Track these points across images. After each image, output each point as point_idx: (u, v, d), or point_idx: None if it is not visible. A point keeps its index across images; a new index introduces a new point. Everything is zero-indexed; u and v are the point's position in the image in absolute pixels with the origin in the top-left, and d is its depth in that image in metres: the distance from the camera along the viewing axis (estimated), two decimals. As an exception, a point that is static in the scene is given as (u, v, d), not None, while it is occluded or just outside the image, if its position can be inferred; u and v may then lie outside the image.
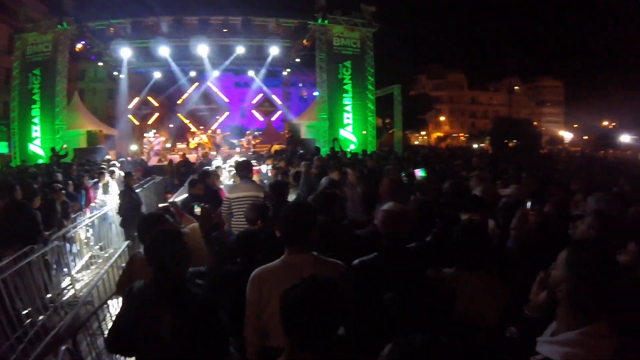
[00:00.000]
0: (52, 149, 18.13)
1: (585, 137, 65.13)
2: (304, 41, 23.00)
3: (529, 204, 4.06)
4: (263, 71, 28.11)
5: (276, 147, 23.66)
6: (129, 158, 20.69)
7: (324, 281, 1.89)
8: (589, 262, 1.75)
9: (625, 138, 52.07)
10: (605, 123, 63.72)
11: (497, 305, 2.72)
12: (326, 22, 21.02)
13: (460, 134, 70.63)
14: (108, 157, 20.30)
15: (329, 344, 1.83)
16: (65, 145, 19.25)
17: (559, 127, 75.41)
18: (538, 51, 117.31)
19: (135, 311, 2.60)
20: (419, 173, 7.54)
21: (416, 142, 54.92)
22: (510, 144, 40.95)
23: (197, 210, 3.78)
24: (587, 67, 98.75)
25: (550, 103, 79.14)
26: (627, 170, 13.15)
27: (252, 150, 23.50)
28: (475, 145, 49.28)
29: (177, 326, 2.49)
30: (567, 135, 71.32)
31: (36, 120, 20.27)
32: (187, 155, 19.92)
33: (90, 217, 8.21)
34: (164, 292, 2.59)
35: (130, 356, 2.84)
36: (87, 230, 7.88)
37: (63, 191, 8.56)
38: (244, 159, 7.33)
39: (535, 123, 57.78)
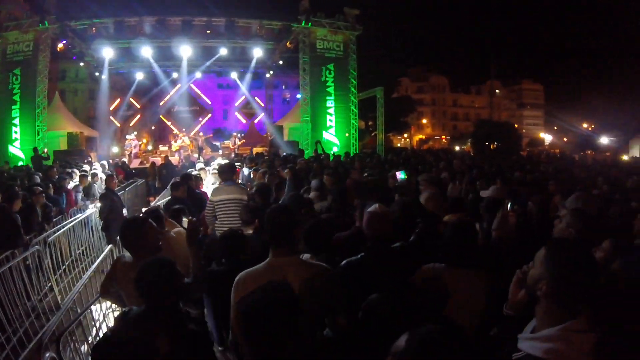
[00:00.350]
0: (35, 149, 17.87)
1: (565, 139, 66.21)
2: (287, 43, 23.03)
3: (509, 205, 4.13)
4: (247, 74, 28.08)
5: (257, 149, 23.68)
6: (111, 160, 20.47)
7: (278, 289, 1.90)
8: (568, 260, 1.77)
9: (604, 140, 53.10)
10: (585, 125, 64.81)
11: (482, 301, 2.81)
12: (310, 24, 21.06)
13: (442, 136, 71.40)
14: (89, 159, 20.09)
15: (289, 350, 1.82)
16: (46, 150, 19.00)
17: (539, 130, 76.92)
18: (519, 54, 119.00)
19: (129, 333, 2.51)
20: (400, 175, 7.61)
21: (398, 145, 55.27)
22: (491, 146, 41.39)
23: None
24: (566, 71, 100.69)
25: (531, 106, 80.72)
26: (605, 172, 13.45)
27: (235, 152, 23.45)
28: (457, 148, 49.73)
29: (171, 352, 2.42)
30: (547, 138, 72.56)
31: (16, 121, 19.89)
32: (169, 158, 19.79)
33: (71, 221, 8.10)
34: (159, 319, 2.52)
35: None
36: (68, 234, 7.78)
37: (43, 194, 8.47)
38: (227, 161, 7.31)
39: (516, 125, 58.59)
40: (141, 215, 5.46)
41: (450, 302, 2.77)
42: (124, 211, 9.59)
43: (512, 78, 79.37)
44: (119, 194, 9.98)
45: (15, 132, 19.90)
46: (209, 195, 6.49)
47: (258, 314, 1.79)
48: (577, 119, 64.80)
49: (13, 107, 19.88)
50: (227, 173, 6.32)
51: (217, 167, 6.79)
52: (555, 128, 73.33)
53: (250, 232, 4.49)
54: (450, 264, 2.97)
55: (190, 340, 2.53)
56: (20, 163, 18.24)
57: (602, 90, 62.59)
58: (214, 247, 4.26)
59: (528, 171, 12.02)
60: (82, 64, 25.01)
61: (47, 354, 3.17)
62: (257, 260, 2.85)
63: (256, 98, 36.36)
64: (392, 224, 3.35)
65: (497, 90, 75.27)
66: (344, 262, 3.12)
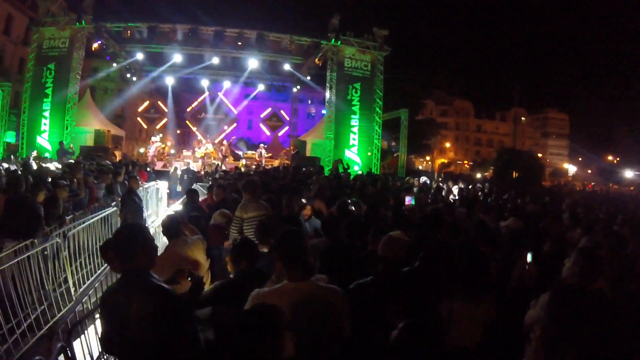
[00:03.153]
0: (61, 143, 18.32)
1: (589, 171, 65.24)
2: (316, 60, 23.33)
3: (529, 257, 4.10)
4: (274, 86, 28.45)
5: (278, 162, 23.85)
6: (137, 161, 20.85)
7: (264, 312, 1.98)
8: (566, 309, 1.78)
9: (628, 174, 52.16)
10: (610, 158, 63.81)
11: (481, 328, 2.83)
12: (339, 42, 21.36)
13: (465, 161, 70.69)
14: (114, 158, 20.50)
15: None
16: (72, 145, 19.50)
17: (563, 160, 75.61)
18: (545, 83, 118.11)
19: (107, 307, 2.71)
20: (410, 201, 7.68)
21: (420, 167, 55.02)
22: (513, 175, 40.93)
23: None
24: (592, 101, 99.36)
25: (555, 135, 79.46)
26: (627, 208, 13.23)
27: (262, 164, 23.62)
28: (478, 175, 49.36)
29: (142, 312, 2.53)
30: (571, 168, 71.41)
31: (46, 113, 20.51)
32: (193, 164, 20.11)
33: (91, 217, 8.32)
34: (131, 282, 2.66)
35: (121, 357, 2.83)
36: (88, 230, 7.98)
37: (67, 188, 8.72)
38: (254, 178, 7.21)
39: (539, 155, 57.92)
40: (143, 223, 5.59)
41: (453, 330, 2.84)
42: (144, 212, 9.83)
43: (537, 106, 78.64)
44: (140, 195, 10.18)
45: (45, 124, 20.49)
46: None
47: (233, 334, 1.90)
48: (601, 151, 63.91)
49: (45, 99, 20.50)
50: (256, 189, 6.06)
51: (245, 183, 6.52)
52: (580, 159, 72.32)
53: (266, 250, 4.49)
54: (465, 299, 3.01)
55: (160, 298, 2.62)
56: (46, 154, 18.71)
57: (628, 123, 61.61)
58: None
59: (546, 204, 11.92)
60: (114, 64, 25.58)
61: (59, 344, 3.28)
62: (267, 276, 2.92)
63: (281, 111, 36.79)
64: (405, 250, 3.39)
65: (522, 118, 74.69)
66: (353, 284, 3.15)
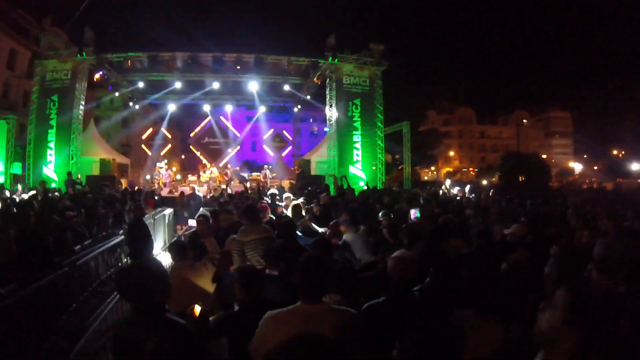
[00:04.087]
0: (69, 174, 18.57)
1: (595, 168, 64.84)
2: (315, 79, 23.56)
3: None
4: (275, 108, 28.77)
5: (286, 182, 23.96)
6: (144, 188, 21.04)
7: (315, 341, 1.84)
8: (601, 312, 1.55)
9: (635, 166, 51.75)
10: (615, 152, 63.42)
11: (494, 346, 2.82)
12: (336, 60, 21.54)
13: (470, 169, 70.55)
14: (120, 187, 20.74)
15: None
16: (79, 175, 19.76)
17: (569, 159, 75.19)
18: (544, 81, 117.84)
19: (121, 344, 2.67)
20: (415, 214, 7.74)
21: (426, 177, 55.02)
22: (520, 179, 40.73)
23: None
24: (593, 96, 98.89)
25: (559, 134, 79.24)
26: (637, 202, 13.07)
27: (268, 185, 23.75)
28: (484, 182, 49.19)
29: (160, 349, 2.51)
30: (577, 167, 70.95)
31: (51, 144, 20.80)
32: (198, 188, 20.28)
33: (100, 246, 8.45)
34: (147, 318, 2.62)
35: None
36: (97, 259, 8.11)
37: (74, 218, 8.87)
38: (252, 204, 7.27)
39: (544, 155, 57.69)
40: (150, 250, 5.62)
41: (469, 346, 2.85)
42: (151, 240, 9.94)
43: (538, 105, 78.50)
44: (147, 222, 10.30)
45: (50, 155, 20.77)
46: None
47: None
48: (607, 146, 63.54)
49: (49, 130, 20.80)
50: (254, 215, 6.17)
51: (244, 209, 6.56)
52: (585, 156, 71.92)
53: (276, 273, 4.53)
54: (478, 311, 3.07)
55: (175, 335, 2.59)
56: (53, 185, 18.93)
57: (632, 114, 61.01)
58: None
59: (557, 205, 11.86)
60: (117, 93, 25.97)
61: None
62: (278, 302, 2.98)
63: (284, 131, 37.08)
64: (415, 269, 3.39)
65: (524, 120, 74.62)
66: (365, 305, 3.17)
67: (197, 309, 3.26)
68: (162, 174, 25.09)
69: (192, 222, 7.65)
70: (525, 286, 3.62)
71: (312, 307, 2.75)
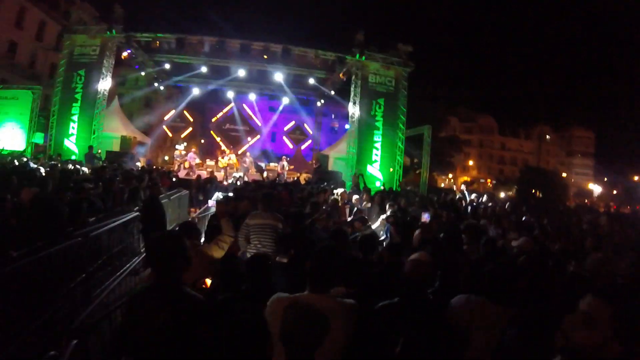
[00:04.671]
0: (90, 147, 18.82)
1: (615, 192, 63.76)
2: (340, 74, 23.45)
3: None
4: (298, 100, 28.78)
5: (304, 176, 23.95)
6: (159, 168, 21.22)
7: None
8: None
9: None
10: (636, 178, 62.29)
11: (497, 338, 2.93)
12: (363, 58, 21.45)
13: (488, 180, 69.75)
14: (138, 163, 20.92)
15: None
16: (99, 150, 20.01)
17: (589, 180, 73.69)
18: (570, 100, 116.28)
19: (135, 310, 2.73)
20: (427, 218, 7.74)
21: (442, 185, 54.56)
22: (536, 194, 40.29)
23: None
24: (619, 119, 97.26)
25: (581, 154, 77.43)
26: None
27: (285, 176, 23.76)
28: (502, 194, 48.70)
29: (171, 324, 2.57)
30: (595, 189, 69.72)
31: (75, 118, 21.14)
32: (215, 173, 20.38)
33: (113, 220, 8.49)
34: (164, 289, 2.70)
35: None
36: (109, 233, 8.15)
37: (92, 191, 8.95)
38: (269, 192, 7.35)
39: (564, 174, 56.92)
40: (175, 230, 5.70)
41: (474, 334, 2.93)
42: (166, 218, 9.99)
43: (562, 123, 77.07)
44: (162, 201, 10.36)
45: (73, 128, 21.10)
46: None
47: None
48: (628, 170, 62.43)
49: (74, 104, 21.14)
50: (270, 202, 6.29)
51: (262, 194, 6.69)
52: (605, 179, 70.61)
53: (285, 260, 4.52)
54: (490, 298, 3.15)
55: (191, 308, 2.66)
56: (72, 157, 19.22)
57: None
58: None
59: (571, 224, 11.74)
60: (142, 73, 26.20)
61: (74, 342, 3.36)
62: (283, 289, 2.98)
63: (305, 124, 37.03)
64: (432, 272, 3.41)
65: (547, 136, 73.53)
66: (379, 305, 3.13)
67: (208, 281, 3.29)
68: (190, 155, 25.24)
69: (212, 203, 7.75)
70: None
71: (318, 296, 2.79)
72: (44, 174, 11.55)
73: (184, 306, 2.64)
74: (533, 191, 40.91)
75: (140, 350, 2.65)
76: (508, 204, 16.78)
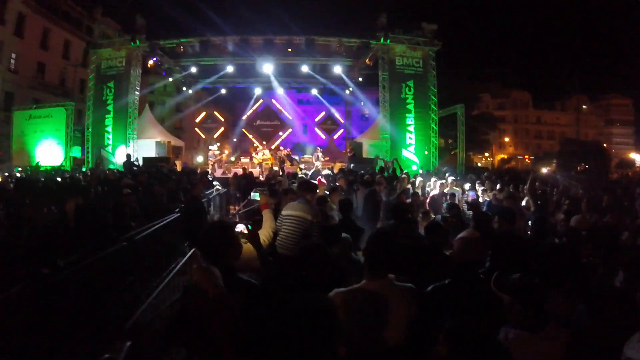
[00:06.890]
0: (128, 155, 19.26)
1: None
2: (367, 60, 23.16)
3: None
4: (326, 90, 28.63)
5: (339, 165, 23.87)
6: (198, 169, 21.55)
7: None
8: None
9: None
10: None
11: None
12: (388, 41, 21.07)
13: (525, 156, 67.71)
14: (175, 167, 21.27)
15: None
16: (137, 157, 20.46)
17: (629, 149, 70.37)
18: (605, 67, 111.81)
19: (190, 299, 2.71)
20: (473, 196, 7.64)
21: (479, 164, 53.45)
22: (578, 168, 38.95)
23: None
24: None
25: (620, 122, 74.09)
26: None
27: (320, 166, 23.73)
28: (543, 169, 47.31)
29: (231, 307, 2.56)
30: (638, 158, 66.87)
31: (109, 128, 21.74)
32: (251, 170, 20.51)
33: (156, 223, 8.59)
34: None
35: (188, 347, 2.83)
36: (153, 235, 8.25)
37: (133, 196, 9.09)
38: (307, 180, 7.24)
39: (604, 145, 54.93)
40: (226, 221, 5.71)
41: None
42: (207, 217, 10.07)
43: (598, 92, 73.25)
44: (202, 201, 10.43)
45: (108, 139, 21.70)
46: None
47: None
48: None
49: (107, 115, 21.76)
50: (306, 190, 6.08)
51: (299, 181, 6.51)
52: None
53: (336, 251, 4.42)
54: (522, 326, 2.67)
55: (250, 294, 2.73)
56: (110, 166, 19.66)
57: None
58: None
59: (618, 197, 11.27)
60: (170, 79, 26.58)
61: (127, 343, 3.36)
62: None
63: (336, 114, 36.94)
64: (482, 250, 3.34)
65: (583, 106, 70.84)
66: (430, 287, 3.07)
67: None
68: (218, 154, 25.60)
69: (255, 195, 7.76)
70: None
71: (376, 282, 2.76)
72: (84, 184, 11.79)
73: (244, 294, 2.70)
74: (574, 164, 39.45)
75: (195, 340, 2.64)
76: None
